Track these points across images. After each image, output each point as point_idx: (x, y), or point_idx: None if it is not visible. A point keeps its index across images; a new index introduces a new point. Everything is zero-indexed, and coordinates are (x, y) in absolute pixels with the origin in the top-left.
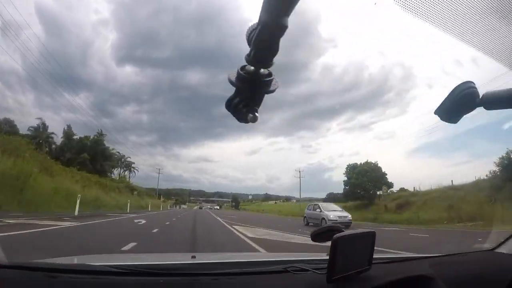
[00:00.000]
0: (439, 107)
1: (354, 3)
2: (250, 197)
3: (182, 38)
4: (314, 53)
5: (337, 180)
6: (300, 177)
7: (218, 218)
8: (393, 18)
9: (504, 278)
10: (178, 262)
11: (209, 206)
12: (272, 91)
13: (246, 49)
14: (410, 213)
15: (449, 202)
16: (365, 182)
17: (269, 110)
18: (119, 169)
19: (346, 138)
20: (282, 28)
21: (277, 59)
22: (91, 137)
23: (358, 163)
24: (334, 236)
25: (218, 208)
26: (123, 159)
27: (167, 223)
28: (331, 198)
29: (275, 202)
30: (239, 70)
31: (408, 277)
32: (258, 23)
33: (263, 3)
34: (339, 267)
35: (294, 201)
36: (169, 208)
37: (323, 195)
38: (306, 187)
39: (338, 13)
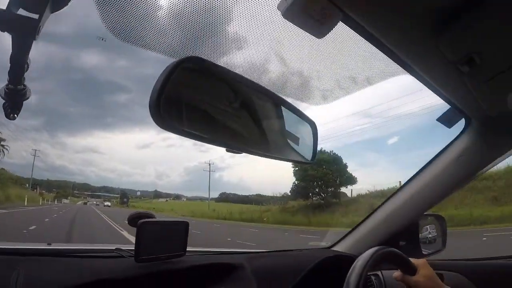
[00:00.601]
0: None
1: (262, 8)
2: (138, 193)
3: (84, 16)
4: (217, 52)
5: (227, 180)
6: (209, 171)
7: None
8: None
9: (313, 268)
10: (32, 247)
11: (95, 202)
12: (27, 98)
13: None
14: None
15: (491, 193)
16: (327, 175)
17: None
18: None
19: None
20: (25, 45)
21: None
22: None
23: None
24: (138, 222)
25: (109, 205)
26: None
27: None
28: (224, 198)
29: (167, 200)
30: (5, 87)
31: (214, 263)
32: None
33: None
34: (146, 250)
35: (184, 199)
36: (41, 203)
37: (215, 195)
38: (195, 186)
39: (248, 15)
